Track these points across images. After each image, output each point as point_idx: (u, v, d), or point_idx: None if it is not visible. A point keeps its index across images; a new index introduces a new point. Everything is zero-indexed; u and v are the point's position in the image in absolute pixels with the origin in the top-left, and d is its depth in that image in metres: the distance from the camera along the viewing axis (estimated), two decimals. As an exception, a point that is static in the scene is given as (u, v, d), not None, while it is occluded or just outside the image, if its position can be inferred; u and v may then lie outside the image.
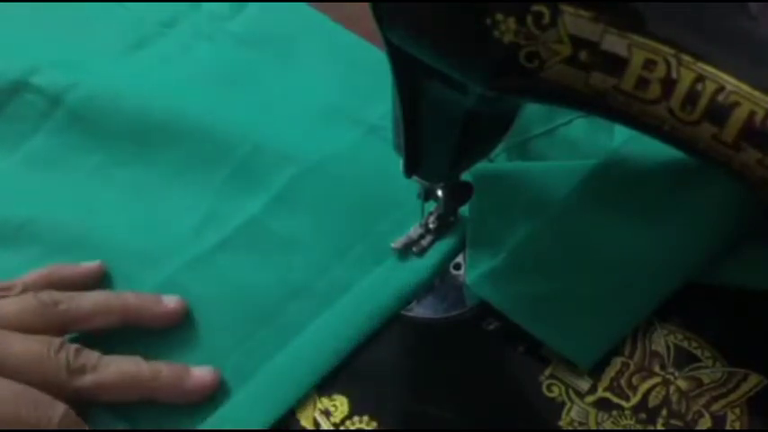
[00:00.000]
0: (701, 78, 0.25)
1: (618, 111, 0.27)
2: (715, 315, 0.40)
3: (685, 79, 0.26)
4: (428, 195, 0.42)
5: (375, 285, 0.42)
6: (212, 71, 0.54)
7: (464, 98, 0.31)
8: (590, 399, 0.38)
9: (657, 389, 0.38)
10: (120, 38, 0.56)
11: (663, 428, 0.37)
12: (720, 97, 0.25)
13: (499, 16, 0.26)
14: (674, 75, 0.26)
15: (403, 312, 0.42)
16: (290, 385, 0.39)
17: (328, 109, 0.51)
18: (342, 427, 0.38)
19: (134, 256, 0.45)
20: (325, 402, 0.39)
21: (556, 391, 0.39)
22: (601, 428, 0.37)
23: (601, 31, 0.26)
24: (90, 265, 0.43)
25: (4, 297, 0.39)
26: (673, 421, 0.37)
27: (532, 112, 0.47)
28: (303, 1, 0.58)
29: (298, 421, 0.38)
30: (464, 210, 0.43)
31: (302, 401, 0.39)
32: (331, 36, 0.56)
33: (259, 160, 0.48)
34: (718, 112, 0.26)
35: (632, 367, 0.39)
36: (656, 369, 0.39)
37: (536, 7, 0.25)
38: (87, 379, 0.37)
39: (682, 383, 0.38)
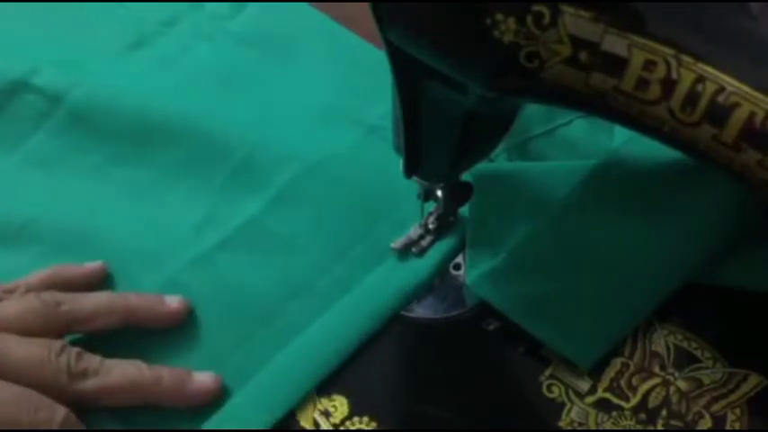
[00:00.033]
0: (701, 79, 0.25)
1: (618, 111, 0.27)
2: (715, 315, 0.40)
3: (685, 80, 0.25)
4: (428, 195, 0.42)
5: (375, 285, 0.42)
6: (212, 71, 0.54)
7: (464, 98, 0.31)
8: (590, 399, 0.38)
9: (657, 389, 0.38)
10: (120, 38, 0.56)
11: (663, 429, 0.37)
12: (720, 98, 0.25)
13: (499, 16, 0.26)
14: (674, 75, 0.26)
15: (403, 313, 0.42)
16: (291, 386, 0.39)
17: (328, 109, 0.51)
18: (341, 428, 0.38)
19: (135, 256, 0.45)
20: (324, 403, 0.39)
21: (556, 392, 0.39)
22: (601, 429, 0.37)
23: (601, 31, 0.25)
24: (93, 265, 0.43)
25: (6, 298, 0.39)
26: (673, 422, 0.37)
27: (532, 112, 0.47)
28: (303, 1, 0.58)
29: (297, 422, 0.38)
30: (464, 210, 0.43)
31: (302, 402, 0.39)
32: (331, 36, 0.56)
33: (259, 160, 0.48)
34: (718, 113, 0.26)
35: (632, 368, 0.39)
36: (656, 370, 0.39)
37: (536, 7, 0.25)
38: (89, 383, 0.37)
39: (682, 384, 0.38)
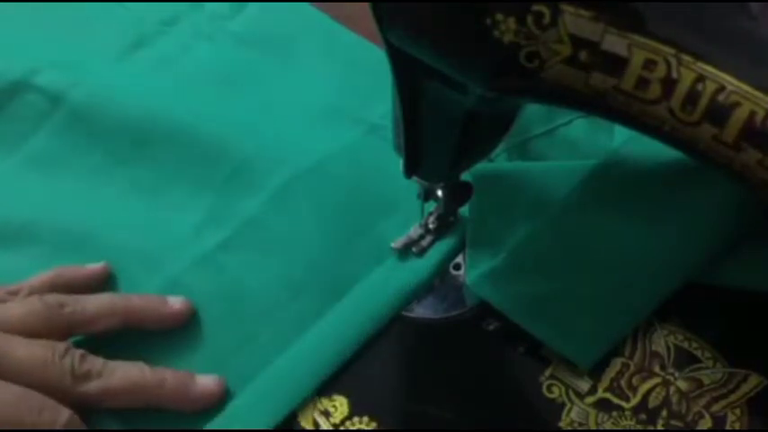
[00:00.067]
0: (701, 78, 0.25)
1: (618, 111, 0.27)
2: (715, 315, 0.40)
3: (685, 79, 0.25)
4: (428, 195, 0.42)
5: (375, 285, 0.42)
6: (212, 71, 0.54)
7: (464, 98, 0.31)
8: (590, 399, 0.38)
9: (657, 389, 0.38)
10: (119, 38, 0.56)
11: (663, 429, 0.37)
12: (721, 97, 0.25)
13: (499, 16, 0.26)
14: (674, 75, 0.26)
15: (403, 313, 0.42)
16: (293, 387, 0.39)
17: (328, 109, 0.51)
18: (341, 428, 0.38)
19: (136, 256, 0.45)
20: (324, 403, 0.39)
21: (556, 392, 0.39)
22: (601, 429, 0.37)
23: (601, 30, 0.25)
24: (95, 266, 0.43)
25: (9, 300, 0.39)
26: (673, 422, 0.37)
27: (532, 112, 0.47)
28: (304, 0, 0.57)
29: (297, 422, 0.38)
30: (464, 210, 0.43)
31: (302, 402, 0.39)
32: (331, 36, 0.56)
33: (259, 160, 0.48)
34: (718, 113, 0.26)
35: (632, 368, 0.39)
36: (657, 370, 0.39)
37: (536, 7, 0.25)
38: (92, 385, 0.37)
39: (682, 384, 0.38)
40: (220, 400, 0.39)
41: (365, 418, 0.38)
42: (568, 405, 0.38)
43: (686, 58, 0.25)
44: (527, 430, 0.38)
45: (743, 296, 0.39)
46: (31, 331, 0.37)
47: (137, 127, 0.50)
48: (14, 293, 0.40)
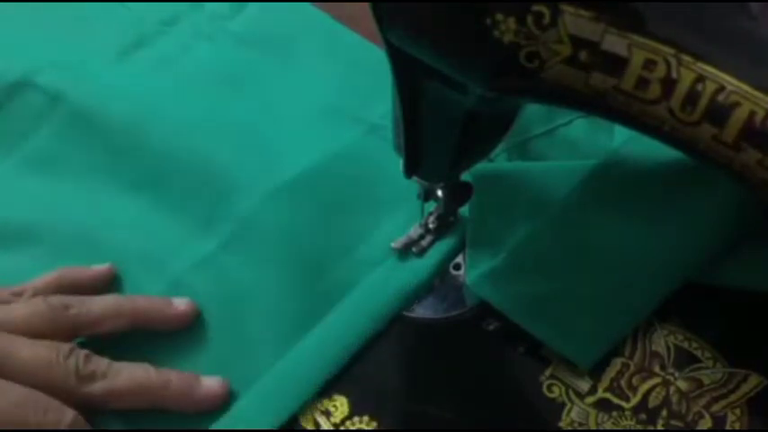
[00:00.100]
0: (701, 78, 0.25)
1: (618, 111, 0.27)
2: (715, 315, 0.40)
3: (685, 79, 0.25)
4: (428, 195, 0.42)
5: (375, 285, 0.42)
6: (213, 71, 0.54)
7: (464, 98, 0.31)
8: (590, 399, 0.38)
9: (657, 389, 0.38)
10: (119, 38, 0.56)
11: (663, 429, 0.37)
12: (720, 97, 0.25)
13: (499, 16, 0.26)
14: (674, 75, 0.26)
15: (403, 313, 0.42)
16: (296, 387, 0.39)
17: (328, 108, 0.51)
18: (342, 428, 0.38)
19: (136, 256, 0.45)
20: (325, 403, 0.39)
21: (556, 392, 0.39)
22: (601, 429, 0.37)
23: (601, 31, 0.25)
24: (100, 268, 0.43)
25: (14, 302, 0.39)
26: (673, 422, 0.37)
27: (532, 112, 0.47)
28: (304, 0, 0.57)
29: (298, 422, 0.38)
30: (464, 210, 0.43)
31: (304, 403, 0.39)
32: (331, 35, 0.56)
33: (259, 159, 0.48)
34: (718, 113, 0.26)
35: (632, 368, 0.39)
36: (657, 370, 0.39)
37: (536, 7, 0.25)
38: (97, 386, 0.37)
39: (682, 384, 0.38)
40: (224, 402, 0.39)
41: (365, 418, 0.38)
42: (568, 405, 0.38)
43: (686, 58, 0.25)
44: (527, 430, 0.38)
45: (743, 296, 0.39)
46: (35, 333, 0.37)
47: (137, 127, 0.50)
48: (19, 294, 0.40)
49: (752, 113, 0.25)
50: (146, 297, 0.42)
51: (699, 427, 0.37)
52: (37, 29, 0.57)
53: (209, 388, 0.39)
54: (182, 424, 0.38)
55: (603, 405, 0.38)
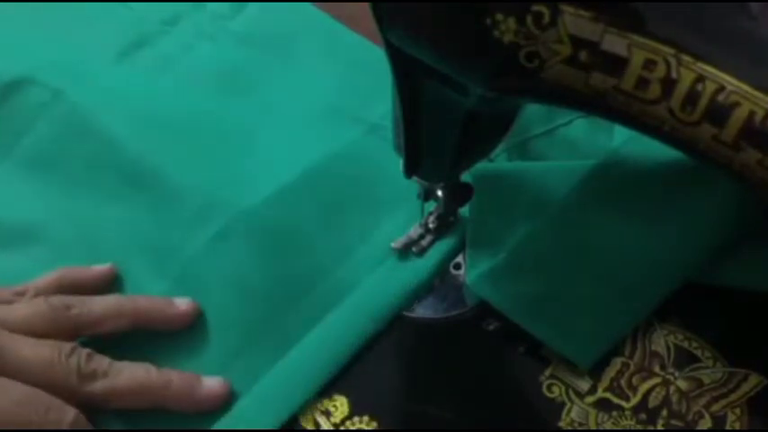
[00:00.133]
0: (701, 78, 0.25)
1: (618, 111, 0.27)
2: (715, 315, 0.40)
3: (685, 79, 0.25)
4: (428, 195, 0.42)
5: (375, 286, 0.42)
6: (213, 71, 0.54)
7: (464, 98, 0.31)
8: (590, 399, 0.38)
9: (657, 389, 0.38)
10: (120, 37, 0.56)
11: (663, 429, 0.37)
12: (720, 97, 0.25)
13: (499, 16, 0.26)
14: (674, 75, 0.26)
15: (404, 313, 0.42)
16: (296, 387, 0.39)
17: (328, 108, 0.51)
18: (342, 428, 0.38)
19: (137, 256, 0.45)
20: (325, 403, 0.39)
21: (556, 392, 0.39)
22: (601, 429, 0.37)
23: (601, 31, 0.25)
24: (101, 268, 0.43)
25: (16, 301, 0.39)
26: (673, 422, 0.37)
27: (532, 112, 0.47)
28: (304, 0, 0.58)
29: (298, 422, 0.38)
30: (464, 210, 0.43)
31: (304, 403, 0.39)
32: (332, 35, 0.56)
33: (258, 159, 0.48)
34: (718, 113, 0.26)
35: (632, 367, 0.39)
36: (657, 369, 0.39)
37: (536, 7, 0.25)
38: (98, 385, 0.37)
39: (682, 384, 0.38)
40: (225, 402, 0.39)
41: (365, 418, 0.38)
42: (568, 405, 0.38)
43: (686, 58, 0.25)
44: (527, 430, 0.38)
45: (743, 296, 0.39)
46: (36, 333, 0.37)
47: (137, 126, 0.50)
48: (20, 294, 0.40)
49: (752, 113, 0.25)
50: (147, 297, 0.42)
51: (699, 427, 0.37)
52: (37, 29, 0.57)
53: (210, 388, 0.39)
54: (182, 424, 0.38)
55: (603, 405, 0.38)
